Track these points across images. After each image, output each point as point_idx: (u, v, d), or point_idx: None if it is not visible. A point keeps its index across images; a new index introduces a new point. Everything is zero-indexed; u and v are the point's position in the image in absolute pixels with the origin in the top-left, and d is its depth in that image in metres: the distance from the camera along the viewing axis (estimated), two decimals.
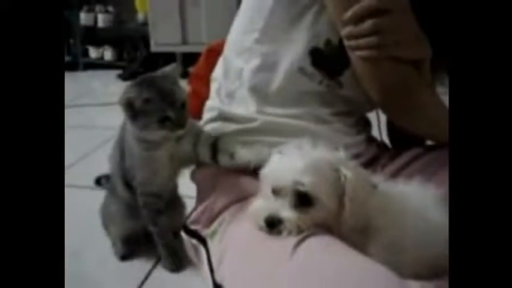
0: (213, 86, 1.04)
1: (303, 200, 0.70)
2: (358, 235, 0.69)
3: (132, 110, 0.88)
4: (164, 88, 0.89)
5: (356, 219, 0.69)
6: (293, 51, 0.89)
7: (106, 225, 1.19)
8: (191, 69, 2.34)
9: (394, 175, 0.90)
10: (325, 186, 0.69)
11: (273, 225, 0.71)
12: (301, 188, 0.69)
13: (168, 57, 3.25)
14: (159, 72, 0.95)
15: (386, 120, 1.07)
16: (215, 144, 0.94)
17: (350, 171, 0.69)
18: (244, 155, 0.89)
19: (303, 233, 0.69)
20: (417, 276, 0.60)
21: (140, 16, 3.54)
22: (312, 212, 0.70)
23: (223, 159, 0.92)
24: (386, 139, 1.10)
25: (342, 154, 0.73)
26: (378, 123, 1.08)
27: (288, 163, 0.72)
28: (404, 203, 0.72)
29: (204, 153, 0.96)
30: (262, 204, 0.74)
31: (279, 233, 0.70)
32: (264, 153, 0.84)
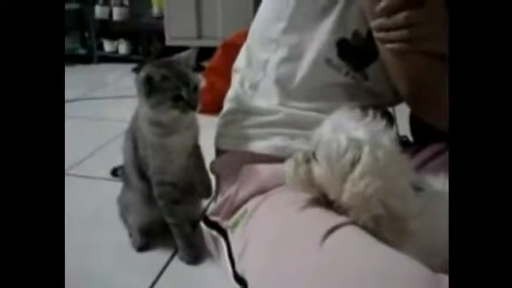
0: (236, 77, 1.04)
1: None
2: (393, 235, 0.67)
3: (149, 85, 0.92)
4: (180, 69, 0.95)
5: (372, 206, 0.67)
6: (320, 41, 0.88)
7: (123, 216, 1.18)
8: (206, 64, 2.34)
9: (415, 171, 0.88)
10: (331, 150, 0.69)
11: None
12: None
13: (182, 51, 3.24)
14: (175, 56, 1.00)
15: (410, 114, 1.05)
16: None
17: (368, 148, 0.66)
18: None
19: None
20: None
21: (155, 10, 3.54)
22: (312, 166, 0.72)
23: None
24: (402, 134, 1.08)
25: (386, 138, 0.69)
26: (394, 118, 1.07)
27: (330, 123, 0.72)
28: (440, 204, 0.70)
29: None
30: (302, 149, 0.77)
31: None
32: None
